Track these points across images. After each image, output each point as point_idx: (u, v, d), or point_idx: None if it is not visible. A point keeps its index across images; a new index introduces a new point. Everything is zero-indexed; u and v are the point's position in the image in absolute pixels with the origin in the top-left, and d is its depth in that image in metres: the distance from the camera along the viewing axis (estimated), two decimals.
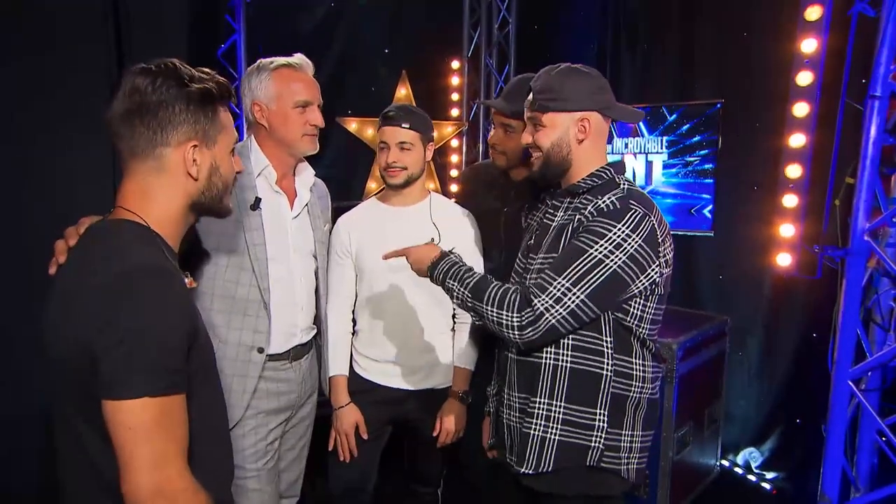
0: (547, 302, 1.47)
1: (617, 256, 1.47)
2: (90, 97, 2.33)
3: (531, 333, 1.48)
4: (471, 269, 1.61)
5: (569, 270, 1.48)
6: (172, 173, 1.15)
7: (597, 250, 1.47)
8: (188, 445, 1.07)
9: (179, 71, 1.14)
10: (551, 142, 1.60)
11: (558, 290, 1.47)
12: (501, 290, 1.53)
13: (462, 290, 1.57)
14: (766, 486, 3.29)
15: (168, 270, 1.08)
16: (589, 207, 1.55)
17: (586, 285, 1.47)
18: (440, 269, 1.61)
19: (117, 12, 2.66)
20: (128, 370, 0.99)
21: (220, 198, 1.24)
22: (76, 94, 2.39)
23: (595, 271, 1.47)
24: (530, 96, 1.64)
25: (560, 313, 1.47)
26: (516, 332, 1.49)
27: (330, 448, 2.08)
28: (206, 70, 1.19)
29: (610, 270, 1.47)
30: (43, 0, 2.39)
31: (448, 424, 2.06)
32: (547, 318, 1.47)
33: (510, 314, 1.49)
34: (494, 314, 1.51)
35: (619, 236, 1.47)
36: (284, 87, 1.79)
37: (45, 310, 1.11)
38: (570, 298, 1.47)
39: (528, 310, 1.47)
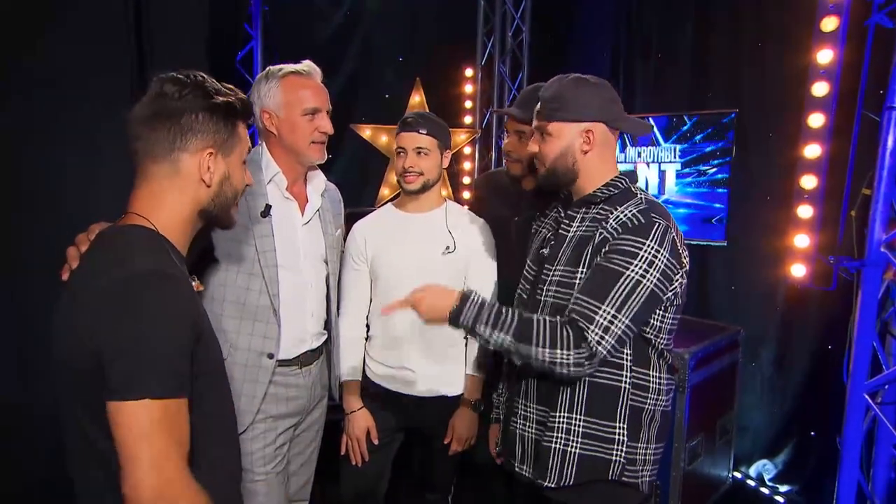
0: (598, 333, 1.46)
1: (652, 275, 1.47)
2: (112, 99, 2.38)
3: (588, 368, 1.48)
4: (500, 308, 1.52)
5: (611, 296, 1.47)
6: (186, 178, 1.19)
7: (633, 271, 1.47)
8: (194, 447, 1.08)
9: (207, 83, 1.21)
10: (556, 153, 1.60)
11: (605, 318, 1.46)
12: (549, 328, 1.48)
13: (501, 335, 1.49)
14: (780, 499, 3.25)
15: (173, 275, 1.10)
16: (610, 221, 1.54)
17: (629, 309, 1.47)
18: (466, 316, 1.51)
19: (139, 17, 2.72)
20: (131, 374, 1.02)
21: (228, 207, 1.28)
22: (98, 97, 2.44)
23: (635, 293, 1.47)
24: (538, 105, 1.64)
25: (610, 342, 1.47)
26: (573, 369, 1.47)
27: (342, 453, 2.09)
28: (231, 86, 1.26)
29: (648, 290, 1.48)
30: (68, 3, 2.43)
31: (460, 432, 2.07)
32: (600, 350, 1.47)
33: (566, 352, 1.46)
34: (547, 354, 1.47)
35: (650, 253, 1.47)
36: (293, 94, 1.79)
37: (55, 313, 1.14)
38: (616, 326, 1.47)
39: (584, 345, 1.46)
